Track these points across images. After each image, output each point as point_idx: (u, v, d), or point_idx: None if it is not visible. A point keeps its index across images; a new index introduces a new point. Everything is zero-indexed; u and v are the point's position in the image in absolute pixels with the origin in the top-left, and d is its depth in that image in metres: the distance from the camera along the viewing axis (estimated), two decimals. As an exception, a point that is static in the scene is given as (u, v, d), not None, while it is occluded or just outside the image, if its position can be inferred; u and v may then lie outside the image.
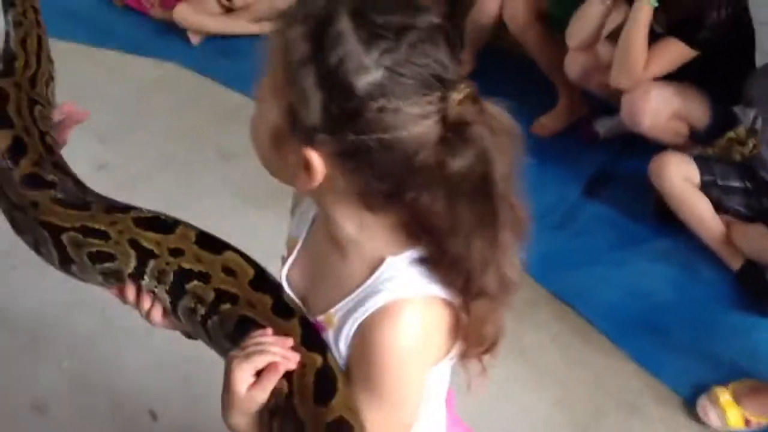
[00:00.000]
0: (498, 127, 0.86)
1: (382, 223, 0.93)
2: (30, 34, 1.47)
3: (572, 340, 2.19)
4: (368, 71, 0.82)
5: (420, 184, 0.86)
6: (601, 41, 2.58)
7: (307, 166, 0.87)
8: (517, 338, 2.13)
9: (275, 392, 0.93)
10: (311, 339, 0.97)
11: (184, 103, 3.21)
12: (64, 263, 1.17)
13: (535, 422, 2.02)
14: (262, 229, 2.54)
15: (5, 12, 1.48)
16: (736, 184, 2.33)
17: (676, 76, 2.43)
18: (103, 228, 1.10)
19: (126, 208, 1.13)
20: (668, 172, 2.31)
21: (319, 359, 0.94)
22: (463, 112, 0.84)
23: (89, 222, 1.12)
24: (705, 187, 2.31)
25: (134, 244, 1.08)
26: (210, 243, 1.08)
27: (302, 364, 0.94)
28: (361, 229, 0.94)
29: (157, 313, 1.10)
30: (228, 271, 1.04)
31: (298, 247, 1.08)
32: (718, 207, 2.32)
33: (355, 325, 0.93)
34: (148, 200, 2.68)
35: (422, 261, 0.92)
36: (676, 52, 2.37)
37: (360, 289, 0.94)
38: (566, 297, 2.30)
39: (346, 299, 0.95)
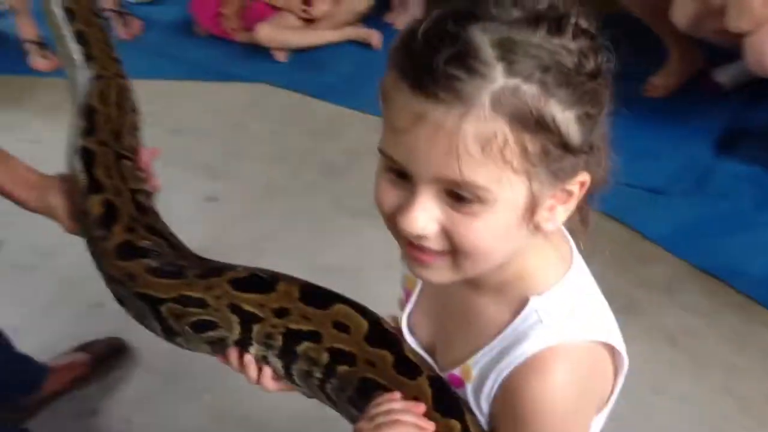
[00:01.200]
0: None
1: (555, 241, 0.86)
2: (110, 86, 1.44)
3: (730, 319, 2.00)
4: (584, 54, 0.73)
5: None
6: (709, -18, 2.36)
7: (572, 194, 0.79)
8: (664, 323, 2.00)
9: None
10: (444, 401, 0.87)
11: (280, 122, 3.22)
12: (169, 335, 1.12)
13: (696, 414, 1.86)
14: (378, 245, 2.49)
15: (87, 67, 1.46)
16: None
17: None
18: (200, 295, 1.04)
19: (221, 270, 1.07)
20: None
21: (456, 426, 0.85)
22: None
23: (186, 290, 1.06)
24: None
25: (235, 308, 1.02)
26: (316, 297, 1.00)
27: None
28: (538, 252, 0.84)
29: (267, 380, 1.03)
30: (340, 326, 0.96)
31: (418, 288, 0.98)
32: None
33: (500, 379, 0.83)
34: (259, 229, 2.68)
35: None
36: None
37: (502, 336, 0.83)
38: (715, 270, 2.09)
39: (486, 348, 0.85)
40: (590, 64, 0.73)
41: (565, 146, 0.73)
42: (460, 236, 0.75)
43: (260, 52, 3.59)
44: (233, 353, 1.03)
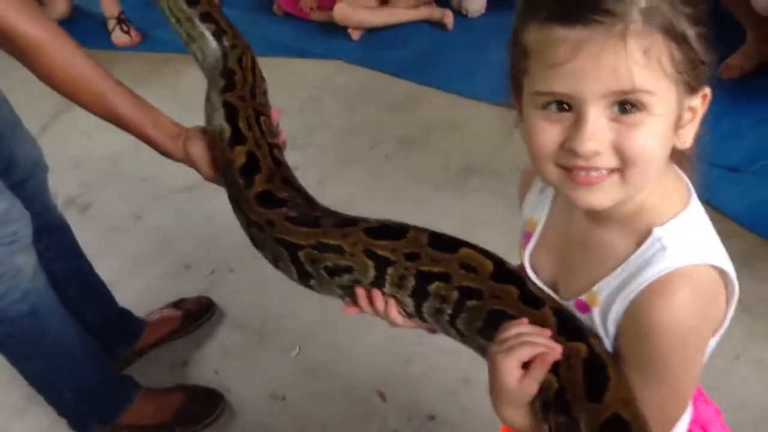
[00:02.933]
0: None
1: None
2: (245, 54, 1.59)
3: (804, 289, 2.05)
4: None
5: None
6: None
7: (696, 111, 0.88)
8: (741, 294, 2.03)
9: (544, 385, 0.89)
10: (568, 327, 0.93)
11: (355, 98, 3.30)
12: (303, 278, 1.20)
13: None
14: (460, 211, 2.57)
15: (220, 40, 1.61)
16: None
17: None
18: (336, 243, 1.12)
19: (355, 221, 1.15)
20: None
21: (583, 348, 0.90)
22: None
23: (323, 238, 1.14)
24: None
25: (370, 254, 1.09)
26: (443, 243, 1.07)
27: (566, 355, 0.90)
28: (659, 185, 0.90)
29: (392, 311, 1.11)
30: (467, 267, 1.03)
31: (539, 228, 1.05)
32: None
33: (626, 303, 0.89)
34: (339, 198, 2.75)
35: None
36: None
37: (627, 264, 0.90)
38: (790, 245, 2.14)
39: (612, 275, 0.91)
40: None
41: (697, 57, 0.83)
42: (629, 146, 0.82)
43: (335, 30, 3.68)
44: (361, 290, 1.11)
